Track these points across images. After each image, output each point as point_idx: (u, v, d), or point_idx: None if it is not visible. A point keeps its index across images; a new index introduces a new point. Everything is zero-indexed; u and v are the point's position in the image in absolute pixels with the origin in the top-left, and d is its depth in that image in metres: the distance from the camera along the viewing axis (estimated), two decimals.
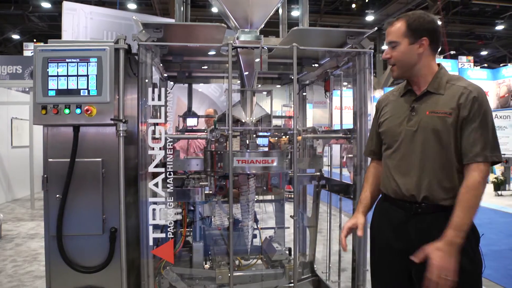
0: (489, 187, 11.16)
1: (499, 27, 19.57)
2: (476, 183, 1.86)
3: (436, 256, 1.82)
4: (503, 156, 10.96)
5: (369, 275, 2.43)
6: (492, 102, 16.98)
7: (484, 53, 24.14)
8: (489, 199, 10.33)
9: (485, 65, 22.82)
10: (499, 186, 10.98)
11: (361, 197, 2.29)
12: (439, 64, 2.08)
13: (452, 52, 19.85)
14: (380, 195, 2.24)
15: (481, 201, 1.88)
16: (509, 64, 19.10)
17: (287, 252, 3.53)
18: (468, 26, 20.24)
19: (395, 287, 2.12)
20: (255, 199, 3.19)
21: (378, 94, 19.51)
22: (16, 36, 20.04)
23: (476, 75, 17.11)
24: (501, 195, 10.89)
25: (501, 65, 19.99)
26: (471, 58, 18.54)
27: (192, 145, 5.23)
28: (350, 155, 3.42)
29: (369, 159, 2.42)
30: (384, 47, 21.54)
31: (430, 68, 2.05)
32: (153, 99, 2.63)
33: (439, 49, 2.15)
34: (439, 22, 16.29)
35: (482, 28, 20.68)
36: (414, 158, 2.01)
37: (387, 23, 2.11)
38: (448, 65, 16.30)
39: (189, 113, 4.21)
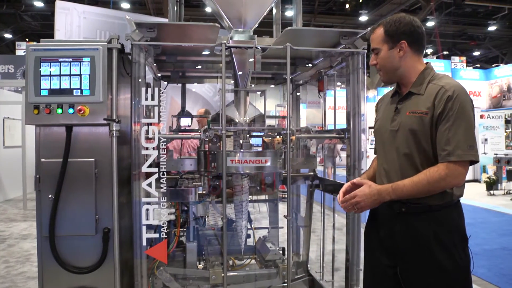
0: (482, 187, 11.24)
1: (492, 28, 19.71)
2: (436, 175, 1.87)
3: (365, 189, 1.99)
4: (495, 156, 11.06)
5: (362, 274, 2.45)
6: (485, 102, 17.11)
7: (476, 53, 24.30)
8: (482, 198, 10.39)
9: (478, 65, 22.95)
10: (491, 185, 11.06)
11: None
12: (427, 63, 2.09)
13: (445, 53, 19.97)
14: None
15: (429, 193, 1.90)
16: (501, 65, 19.23)
17: (281, 252, 3.53)
18: (461, 26, 20.36)
19: (383, 284, 2.14)
20: (249, 199, 3.19)
21: (372, 94, 19.60)
22: (8, 35, 19.89)
23: (469, 76, 17.22)
24: (493, 194, 10.96)
25: (493, 65, 20.12)
26: (463, 58, 18.62)
27: (185, 145, 5.22)
28: (336, 154, 3.45)
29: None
30: None
31: (414, 69, 2.06)
32: (146, 99, 2.62)
33: (424, 49, 2.17)
34: (432, 23, 16.36)
35: (474, 29, 20.82)
36: (394, 158, 2.04)
37: (370, 29, 2.14)
38: (441, 66, 16.39)
39: (183, 113, 4.20)
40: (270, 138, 3.10)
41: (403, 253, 2.01)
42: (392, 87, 2.24)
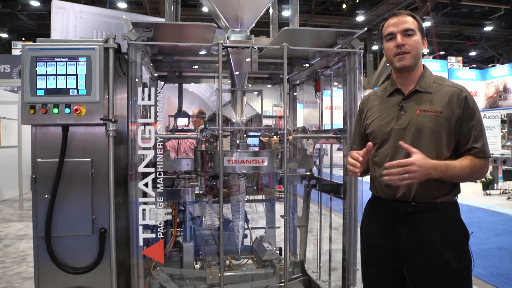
0: (478, 186, 11.27)
1: (488, 28, 19.79)
2: (478, 166, 1.96)
3: (423, 159, 1.85)
4: (492, 155, 11.11)
5: (359, 274, 2.44)
6: (481, 102, 17.14)
7: (473, 53, 24.38)
8: (478, 198, 10.42)
9: (474, 65, 23.02)
10: (487, 185, 11.09)
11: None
12: (423, 65, 2.14)
13: (441, 53, 20.01)
14: (370, 196, 2.25)
15: (465, 180, 1.99)
16: (497, 65, 19.29)
17: (278, 251, 3.53)
18: (457, 27, 20.43)
19: (385, 285, 2.13)
20: (246, 199, 3.19)
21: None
22: (4, 35, 19.82)
23: (465, 76, 17.26)
24: (489, 194, 11.00)
25: (489, 65, 20.19)
26: (460, 58, 18.65)
27: (182, 145, 5.21)
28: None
29: None
30: (375, 47, 21.37)
31: (420, 67, 2.11)
32: (143, 99, 2.62)
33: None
34: (429, 23, 16.41)
35: (471, 29, 20.90)
36: (404, 157, 2.02)
37: (392, 14, 2.11)
38: (438, 66, 16.44)
39: (180, 113, 4.19)
40: (267, 138, 3.10)
41: (411, 253, 2.00)
42: (378, 87, 2.25)
